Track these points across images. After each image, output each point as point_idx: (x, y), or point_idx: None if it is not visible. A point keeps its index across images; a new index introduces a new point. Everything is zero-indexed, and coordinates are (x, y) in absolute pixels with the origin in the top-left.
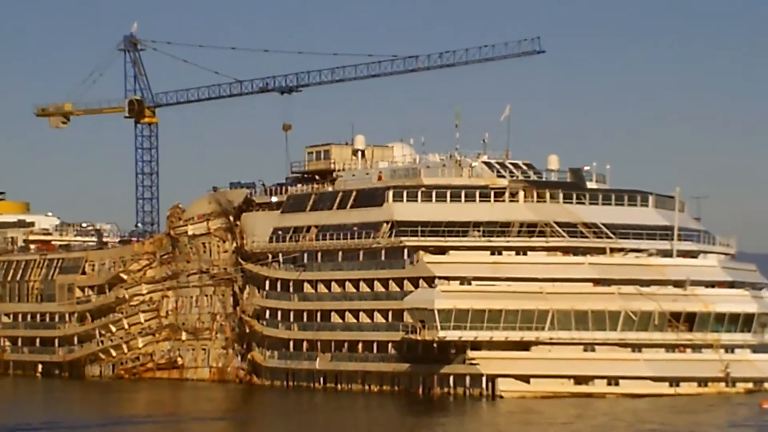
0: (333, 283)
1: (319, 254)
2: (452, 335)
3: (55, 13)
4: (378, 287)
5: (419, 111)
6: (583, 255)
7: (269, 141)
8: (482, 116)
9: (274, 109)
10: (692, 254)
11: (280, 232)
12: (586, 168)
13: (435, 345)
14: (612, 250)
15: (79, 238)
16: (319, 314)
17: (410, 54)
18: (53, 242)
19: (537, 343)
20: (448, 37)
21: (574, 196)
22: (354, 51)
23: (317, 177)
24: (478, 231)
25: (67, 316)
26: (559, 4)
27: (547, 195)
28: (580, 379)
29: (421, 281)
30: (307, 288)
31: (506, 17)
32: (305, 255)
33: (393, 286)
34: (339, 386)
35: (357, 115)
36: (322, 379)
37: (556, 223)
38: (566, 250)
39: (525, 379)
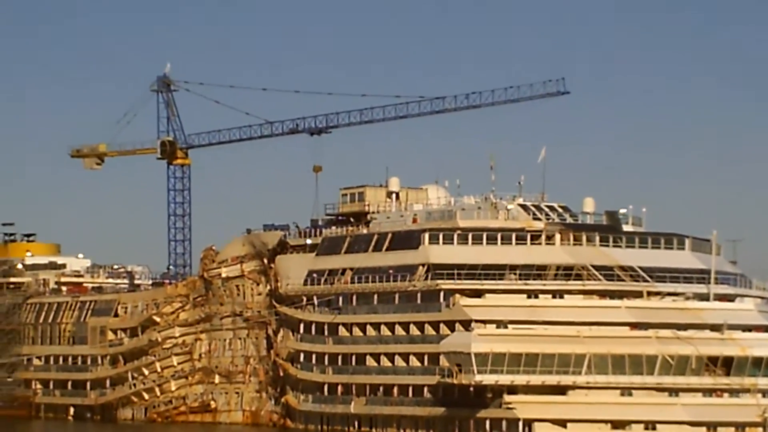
0: (368, 326)
1: (354, 297)
2: (489, 379)
3: (89, 55)
4: (414, 330)
5: (452, 152)
6: (619, 298)
7: (300, 182)
8: (515, 157)
9: (305, 151)
10: (729, 298)
11: (314, 275)
12: (622, 211)
13: (471, 389)
14: (649, 293)
15: (110, 280)
16: (354, 357)
17: (437, 95)
18: (85, 284)
19: (574, 387)
20: (474, 77)
21: (611, 240)
22: (382, 92)
23: (351, 219)
24: (515, 274)
25: (99, 358)
26: (586, 44)
27: (584, 238)
28: (617, 424)
29: (457, 324)
30: (342, 331)
31: (531, 58)
32: (340, 298)
33: (429, 330)
34: (374, 430)
35: (389, 156)
36: (356, 423)
37: (593, 266)
38: (603, 294)
39: (562, 423)
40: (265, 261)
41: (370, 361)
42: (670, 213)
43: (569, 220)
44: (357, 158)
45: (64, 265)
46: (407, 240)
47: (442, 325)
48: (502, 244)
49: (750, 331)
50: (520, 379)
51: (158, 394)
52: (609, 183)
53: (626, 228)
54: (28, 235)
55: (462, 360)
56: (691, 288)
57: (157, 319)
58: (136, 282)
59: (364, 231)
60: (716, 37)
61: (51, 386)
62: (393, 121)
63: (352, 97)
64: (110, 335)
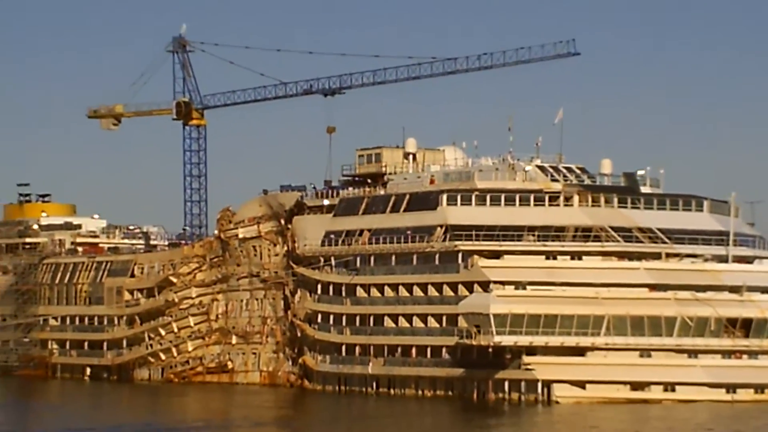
0: (386, 287)
1: (372, 258)
2: (508, 340)
3: (106, 16)
4: (432, 291)
5: (468, 114)
6: (638, 260)
7: (315, 144)
8: (532, 119)
9: (319, 111)
10: (747, 260)
11: (332, 236)
12: (640, 172)
13: (490, 350)
14: (668, 255)
15: (126, 240)
16: (371, 318)
17: (449, 56)
18: (101, 245)
19: (593, 348)
20: (485, 39)
21: (629, 201)
22: (395, 53)
23: (368, 180)
24: (533, 235)
25: (115, 319)
26: (596, 5)
27: (602, 199)
28: (636, 385)
29: (475, 286)
30: (360, 292)
31: (542, 19)
32: (358, 259)
33: (447, 291)
34: (392, 391)
35: (405, 117)
36: (374, 384)
37: (611, 227)
38: (621, 255)
39: (581, 384)
40: (282, 222)
41: (388, 322)
42: (689, 174)
43: (587, 181)
44: (372, 119)
45: (79, 226)
46: (425, 201)
47: (460, 286)
48: (520, 205)
49: None
50: (538, 340)
51: (175, 354)
52: (626, 144)
53: (644, 189)
54: (44, 196)
55: (481, 321)
56: (710, 250)
57: (174, 280)
58: (152, 243)
59: (382, 192)
60: None
61: (67, 346)
62: (406, 81)
63: (365, 58)
64: (127, 296)
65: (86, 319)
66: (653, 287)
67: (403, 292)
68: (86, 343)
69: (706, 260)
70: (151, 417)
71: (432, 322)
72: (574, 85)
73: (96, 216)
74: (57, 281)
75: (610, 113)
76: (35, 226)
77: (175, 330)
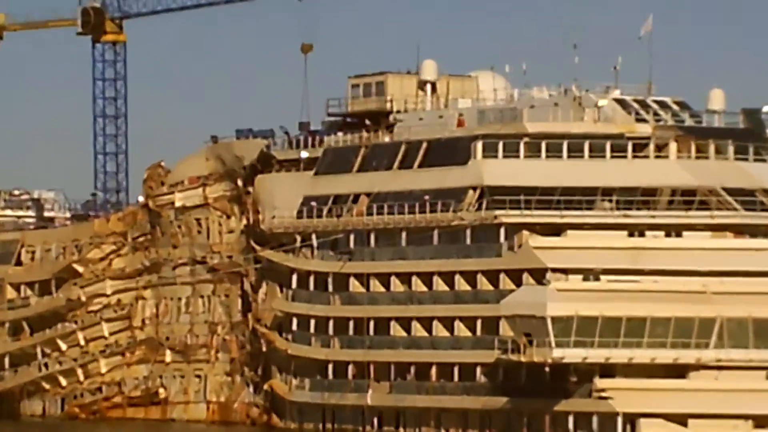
0: (393, 278)
1: (373, 235)
2: (573, 355)
3: None
4: (461, 284)
5: (512, 25)
6: (765, 237)
7: (286, 69)
8: (605, 31)
9: (291, 21)
10: None
11: (313, 203)
12: (767, 109)
13: (547, 369)
14: None
15: (9, 211)
16: (372, 324)
17: None
18: None
19: (698, 366)
20: None
21: (751, 151)
22: None
23: (367, 121)
24: (610, 201)
25: None
26: None
27: (711, 148)
28: (761, 421)
29: (525, 275)
30: (355, 285)
31: None
32: (351, 236)
33: (483, 283)
34: (402, 430)
35: (419, 30)
36: (376, 421)
37: (725, 189)
38: (740, 230)
39: (681, 419)
40: (240, 183)
41: (396, 330)
42: None
43: (689, 122)
44: (371, 33)
45: None
46: (450, 151)
47: (502, 275)
48: (590, 157)
49: None
50: (618, 356)
51: (81, 378)
52: (745, 69)
53: None
54: None
55: (533, 327)
56: None
57: (80, 269)
58: (47, 215)
59: (386, 139)
60: None
61: None
62: None
63: None
64: (10, 293)
65: None
66: None
67: (418, 285)
68: None
69: None
70: None
71: (461, 330)
72: None
73: None
74: None
75: (721, 24)
76: None
77: (82, 343)
